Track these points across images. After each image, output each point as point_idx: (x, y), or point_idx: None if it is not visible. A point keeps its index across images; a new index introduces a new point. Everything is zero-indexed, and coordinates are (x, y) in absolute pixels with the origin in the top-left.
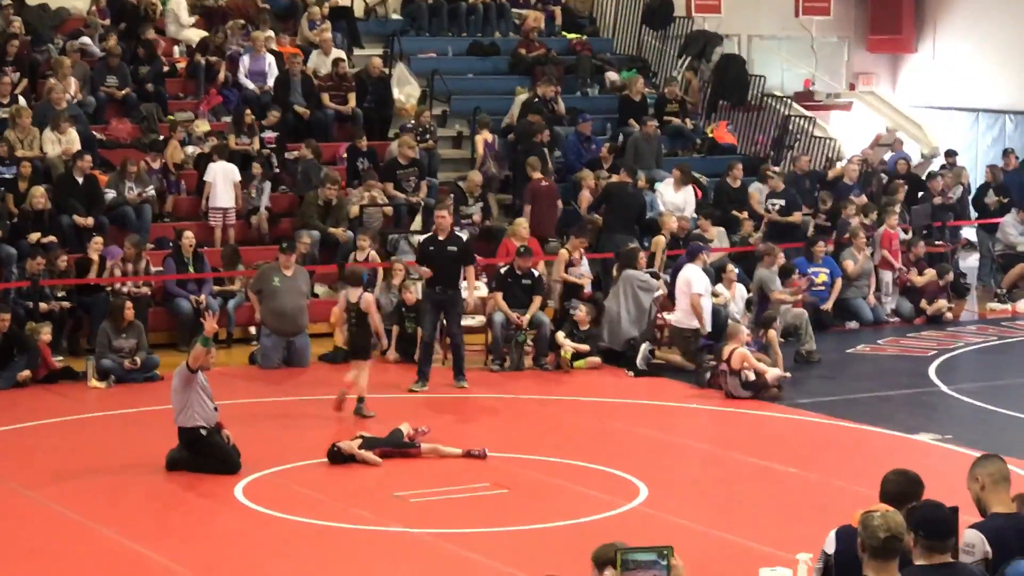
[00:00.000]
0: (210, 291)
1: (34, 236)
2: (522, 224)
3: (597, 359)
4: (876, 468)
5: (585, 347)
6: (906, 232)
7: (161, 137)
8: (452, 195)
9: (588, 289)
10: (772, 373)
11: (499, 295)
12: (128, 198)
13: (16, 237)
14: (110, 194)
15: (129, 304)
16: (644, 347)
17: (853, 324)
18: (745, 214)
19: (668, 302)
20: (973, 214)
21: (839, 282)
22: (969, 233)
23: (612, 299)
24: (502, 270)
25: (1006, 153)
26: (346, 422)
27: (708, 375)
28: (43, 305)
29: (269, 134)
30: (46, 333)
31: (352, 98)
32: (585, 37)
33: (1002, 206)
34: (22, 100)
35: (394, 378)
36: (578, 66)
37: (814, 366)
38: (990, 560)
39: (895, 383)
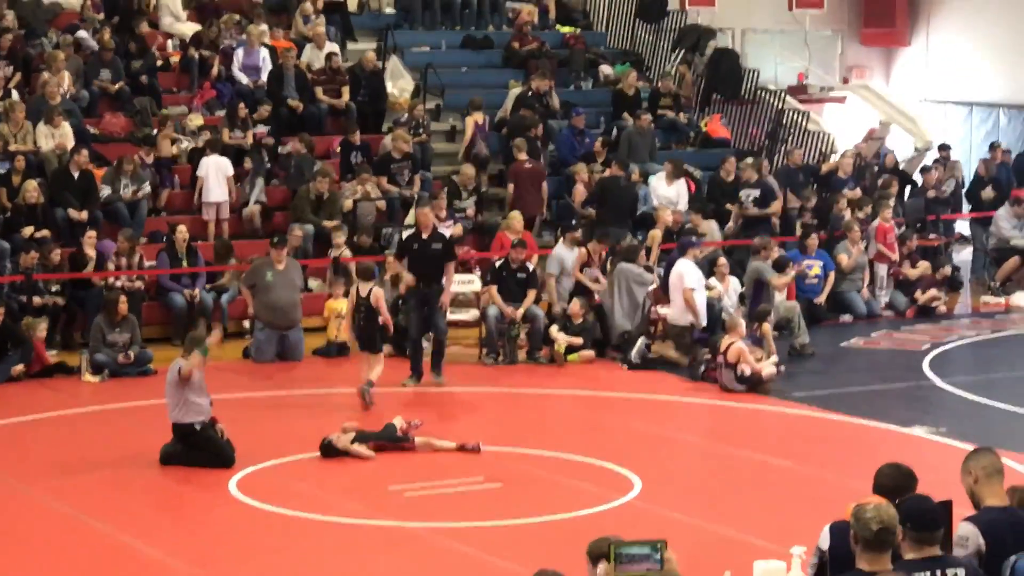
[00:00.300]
0: (203, 285)
1: (28, 230)
2: (516, 217)
3: (591, 353)
4: (870, 461)
5: (578, 340)
6: (899, 226)
7: (155, 131)
8: (445, 189)
9: (598, 297)
10: (767, 370)
11: (494, 289)
12: (124, 196)
13: (9, 231)
14: (105, 191)
15: (123, 298)
16: (640, 341)
17: (847, 318)
18: (738, 207)
19: (662, 295)
20: (966, 207)
21: (832, 275)
22: (962, 227)
23: (606, 293)
24: (497, 264)
25: (992, 147)
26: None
27: (702, 369)
28: (37, 299)
29: (260, 128)
30: (41, 329)
31: (346, 92)
32: (579, 31)
33: (995, 200)
34: (15, 94)
35: (387, 372)
36: (571, 60)
37: (808, 360)
38: (984, 553)
39: (889, 376)
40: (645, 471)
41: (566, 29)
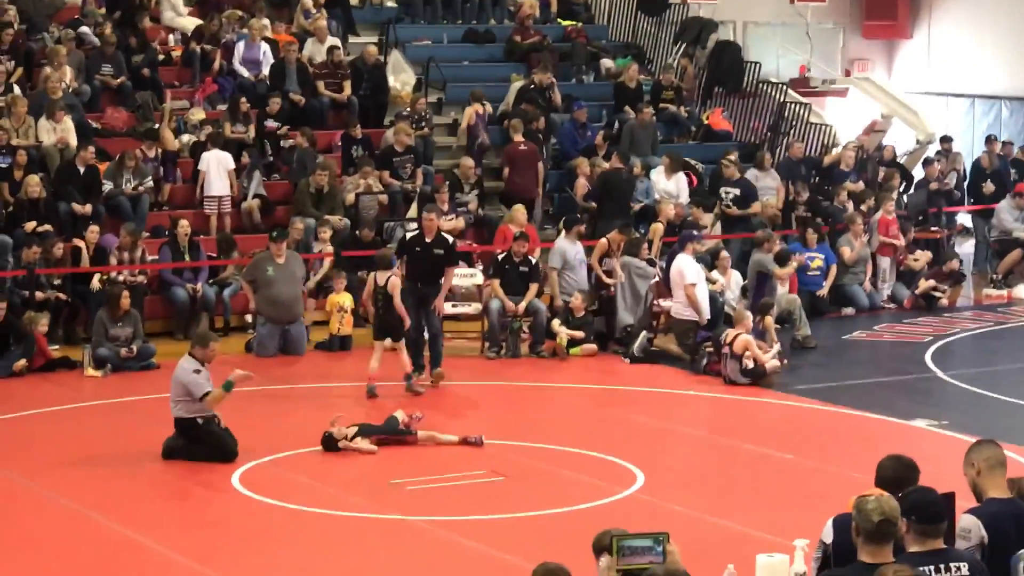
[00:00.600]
0: (206, 279)
1: (30, 225)
2: (520, 210)
3: (593, 346)
4: (872, 454)
5: (580, 334)
6: (901, 219)
7: (156, 125)
8: (447, 183)
9: (612, 290)
10: (771, 364)
11: (496, 282)
12: (125, 191)
13: (11, 226)
14: (107, 185)
15: (125, 293)
16: (643, 335)
17: (849, 310)
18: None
19: (664, 289)
20: (967, 199)
21: (834, 268)
22: (964, 219)
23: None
24: (499, 257)
25: (989, 140)
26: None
27: (704, 362)
28: (39, 294)
29: (272, 123)
30: (43, 324)
31: (347, 86)
32: (580, 24)
33: (996, 192)
34: (17, 89)
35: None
36: (573, 53)
37: (810, 352)
38: (986, 545)
39: (891, 369)
40: (647, 464)
41: (568, 22)
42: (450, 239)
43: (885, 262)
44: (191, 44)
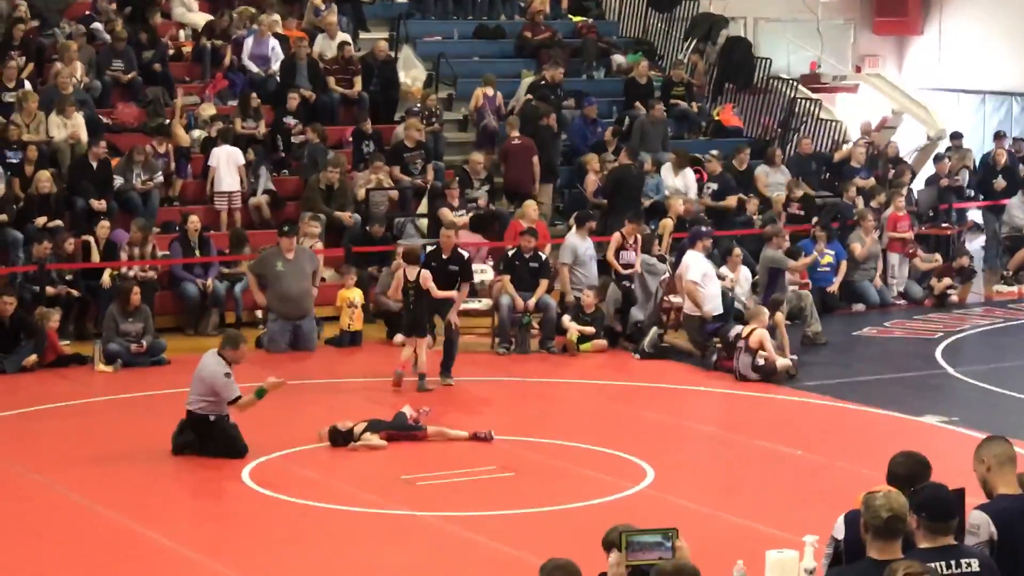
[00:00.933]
0: (216, 275)
1: (41, 220)
2: (531, 206)
3: (603, 342)
4: (882, 451)
5: (591, 329)
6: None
7: (167, 121)
8: (457, 178)
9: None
10: (781, 362)
11: (507, 278)
12: (136, 186)
13: (22, 221)
14: (118, 181)
15: (136, 288)
16: (653, 331)
17: (859, 307)
18: (751, 196)
19: (674, 285)
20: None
21: (844, 264)
22: (975, 215)
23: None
24: (509, 253)
25: (998, 136)
26: (356, 405)
27: (715, 358)
28: (50, 289)
29: (291, 120)
30: (55, 319)
31: (358, 82)
32: (591, 20)
33: (1007, 189)
34: (28, 84)
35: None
36: (584, 49)
37: (821, 349)
38: (995, 541)
39: (901, 365)
40: (657, 460)
41: (578, 18)
42: (466, 255)
43: (895, 258)
44: (202, 40)
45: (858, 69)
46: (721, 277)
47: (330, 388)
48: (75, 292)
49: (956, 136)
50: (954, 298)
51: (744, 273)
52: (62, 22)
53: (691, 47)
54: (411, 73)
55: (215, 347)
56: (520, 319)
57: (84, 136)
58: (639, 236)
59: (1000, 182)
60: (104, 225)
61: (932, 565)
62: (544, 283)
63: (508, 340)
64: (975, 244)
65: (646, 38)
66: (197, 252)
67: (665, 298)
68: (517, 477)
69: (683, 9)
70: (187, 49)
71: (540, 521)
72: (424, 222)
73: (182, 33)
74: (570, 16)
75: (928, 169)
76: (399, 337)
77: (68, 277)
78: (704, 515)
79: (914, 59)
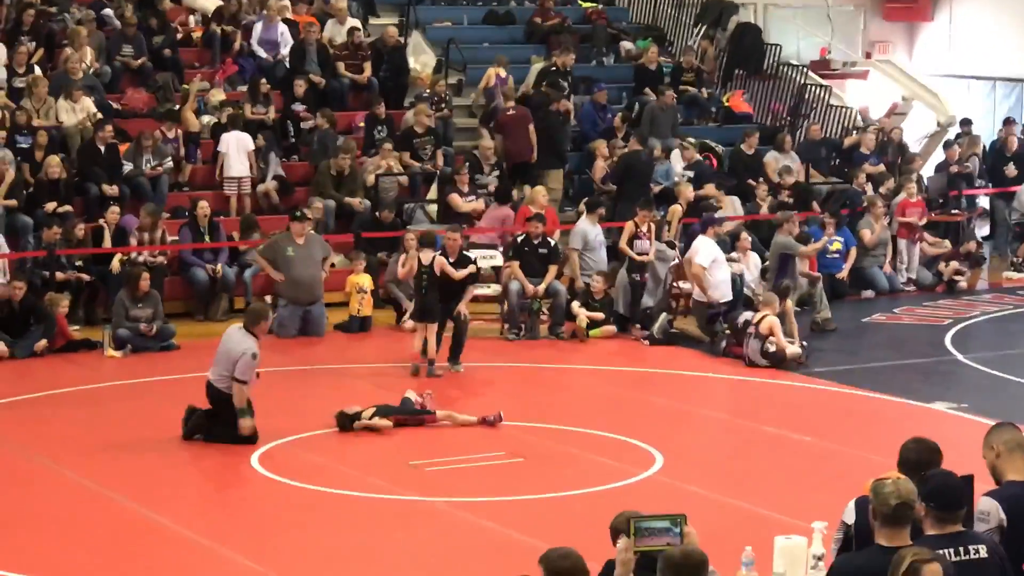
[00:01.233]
0: (226, 260)
1: (51, 206)
2: (540, 192)
3: (612, 328)
4: (892, 437)
5: (600, 315)
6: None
7: (177, 107)
8: (467, 164)
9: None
10: (791, 350)
11: (516, 264)
12: (145, 171)
13: (32, 207)
14: (127, 166)
15: (145, 274)
16: (663, 317)
17: (869, 293)
18: (760, 181)
19: (683, 271)
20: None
21: (854, 251)
22: (983, 202)
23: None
24: (518, 239)
25: (1008, 122)
26: (364, 390)
27: (724, 344)
28: (59, 275)
29: (299, 106)
30: (64, 305)
31: (368, 67)
32: (601, 6)
33: (1018, 175)
34: (38, 70)
35: (408, 347)
36: (593, 35)
37: (830, 335)
38: (1005, 528)
39: (911, 352)
40: (666, 446)
41: (588, 4)
42: (472, 255)
43: (904, 244)
44: (211, 25)
45: (868, 55)
46: (732, 260)
47: (339, 373)
48: (85, 277)
49: (966, 123)
50: (963, 284)
51: (753, 259)
52: (72, 7)
53: (701, 33)
54: (421, 59)
55: (237, 324)
56: (529, 305)
57: (94, 110)
58: (652, 224)
59: (1011, 169)
60: (114, 211)
61: (940, 552)
62: (553, 269)
63: (517, 326)
64: (981, 231)
65: (656, 24)
66: (207, 237)
67: (674, 284)
68: (526, 463)
69: None
70: (197, 34)
71: (549, 507)
72: (434, 208)
73: (192, 18)
74: (580, 2)
75: (938, 156)
76: (409, 323)
77: (78, 263)
78: (713, 501)
79: (924, 45)
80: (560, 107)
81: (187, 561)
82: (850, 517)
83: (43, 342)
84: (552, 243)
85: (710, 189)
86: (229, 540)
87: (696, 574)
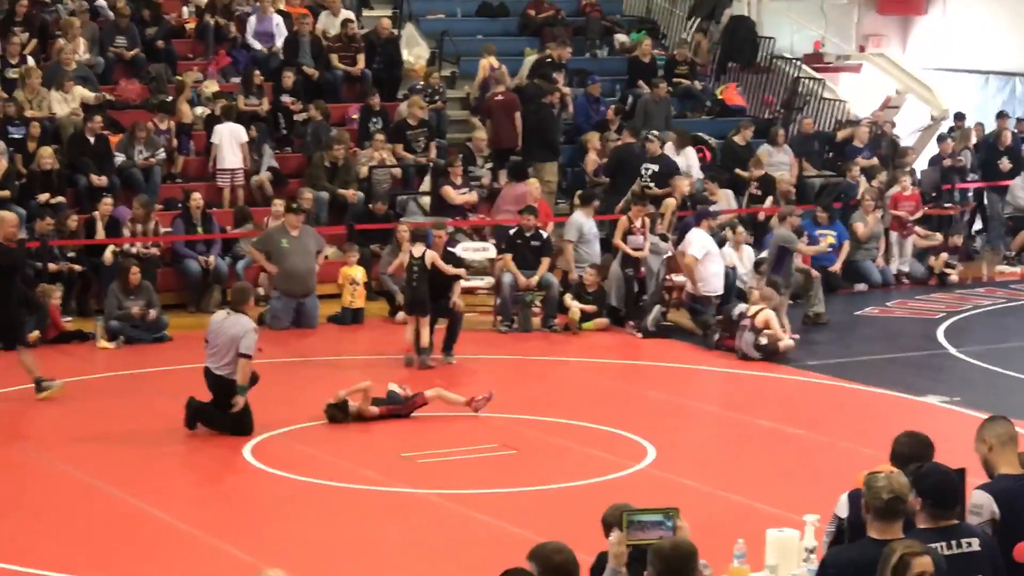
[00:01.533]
0: (218, 252)
1: (43, 196)
2: (533, 184)
3: (605, 320)
4: (884, 430)
5: (593, 308)
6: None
7: (170, 98)
8: (460, 156)
9: (643, 269)
10: (784, 343)
11: (509, 256)
12: (137, 163)
13: (25, 198)
14: (120, 158)
15: (135, 268)
16: (656, 309)
17: (862, 286)
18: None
19: (677, 264)
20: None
21: (847, 244)
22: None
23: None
24: (511, 231)
25: (1001, 116)
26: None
27: (717, 337)
28: (52, 266)
29: (287, 98)
30: (57, 295)
31: (361, 59)
32: None
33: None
34: (31, 60)
35: (401, 339)
36: (587, 27)
37: (823, 328)
38: (998, 521)
39: (903, 345)
40: (659, 439)
41: None
42: (458, 251)
43: (895, 237)
44: (205, 16)
45: (862, 49)
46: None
47: (332, 365)
48: (77, 268)
49: (959, 116)
50: (953, 277)
51: (747, 252)
52: None
53: (695, 26)
54: (414, 51)
55: (222, 312)
56: (522, 297)
57: (90, 95)
58: (646, 219)
59: (1005, 163)
60: (107, 202)
61: (933, 545)
62: (546, 261)
63: (510, 318)
64: (977, 224)
65: (650, 17)
66: (199, 229)
67: (667, 277)
68: (518, 455)
69: None
70: (190, 26)
71: (541, 499)
72: (427, 200)
73: (185, 10)
74: None
75: (931, 149)
76: (401, 315)
77: (70, 254)
78: (705, 494)
79: (918, 39)
80: (554, 99)
81: (179, 552)
82: (843, 511)
83: (35, 333)
84: (545, 236)
85: (681, 186)
86: (221, 531)
87: (685, 565)
